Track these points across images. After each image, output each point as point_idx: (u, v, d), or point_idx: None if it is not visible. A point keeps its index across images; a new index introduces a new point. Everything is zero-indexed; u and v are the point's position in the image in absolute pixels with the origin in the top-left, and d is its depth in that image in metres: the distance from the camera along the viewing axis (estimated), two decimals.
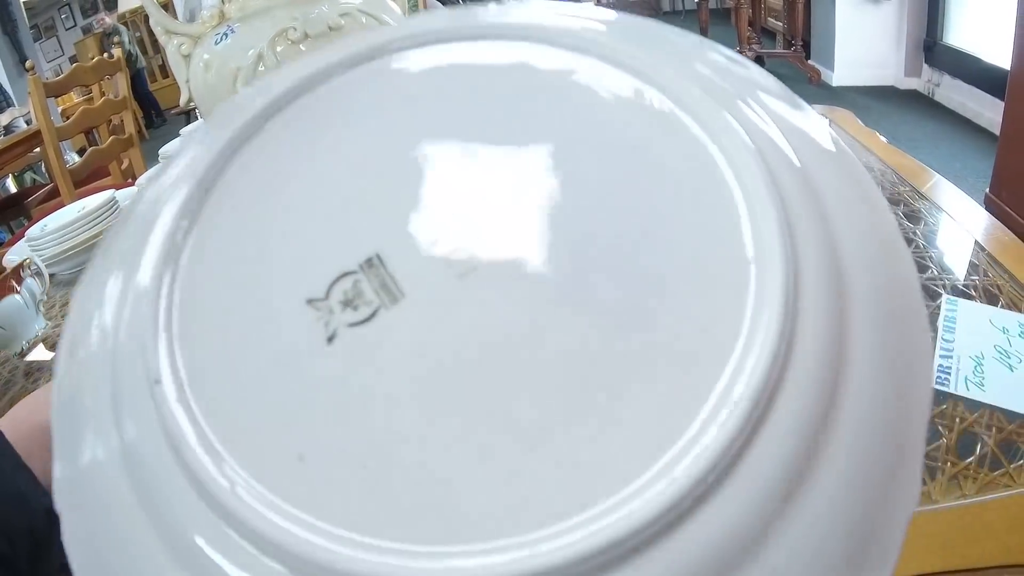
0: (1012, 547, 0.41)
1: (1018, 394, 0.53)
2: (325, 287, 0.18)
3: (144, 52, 5.08)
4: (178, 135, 1.02)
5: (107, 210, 1.04)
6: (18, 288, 0.71)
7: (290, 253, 0.19)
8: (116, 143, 1.86)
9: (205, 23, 0.60)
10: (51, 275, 0.96)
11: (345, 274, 0.18)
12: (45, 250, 0.99)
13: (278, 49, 0.56)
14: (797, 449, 0.15)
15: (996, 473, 0.47)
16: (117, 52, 2.09)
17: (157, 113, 4.92)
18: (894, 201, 0.86)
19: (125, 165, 2.07)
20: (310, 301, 0.18)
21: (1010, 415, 0.51)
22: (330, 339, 0.17)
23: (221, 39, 0.58)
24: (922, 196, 0.86)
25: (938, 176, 0.91)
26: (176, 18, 0.63)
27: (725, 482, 0.14)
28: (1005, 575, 0.40)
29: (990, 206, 1.82)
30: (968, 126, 2.26)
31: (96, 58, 1.98)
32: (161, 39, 0.61)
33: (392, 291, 0.18)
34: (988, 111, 2.21)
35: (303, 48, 0.57)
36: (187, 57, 0.61)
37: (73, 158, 2.37)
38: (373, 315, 0.17)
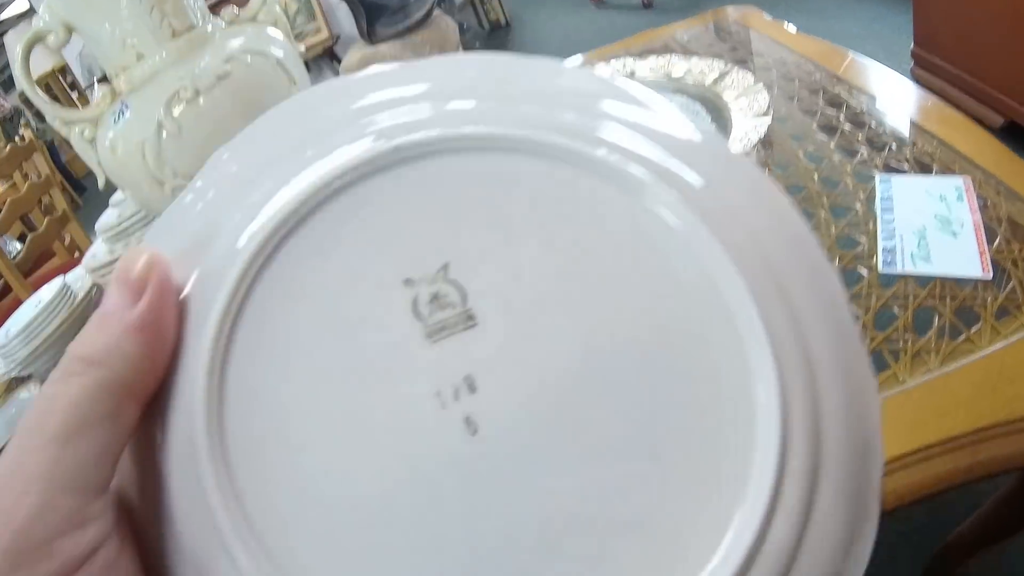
0: (983, 411, 0.43)
1: (966, 259, 0.54)
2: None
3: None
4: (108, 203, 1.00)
5: (61, 299, 1.04)
6: None
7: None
8: (52, 224, 1.83)
9: (99, 104, 0.59)
10: (29, 375, 0.96)
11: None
12: (16, 354, 0.98)
13: (175, 113, 0.55)
14: None
15: (958, 341, 0.49)
16: (27, 134, 2.04)
17: (75, 186, 4.76)
18: (813, 90, 0.87)
19: (68, 241, 2.04)
20: None
21: (961, 282, 0.53)
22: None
23: (119, 117, 0.58)
24: (839, 79, 0.88)
25: (852, 54, 0.92)
26: (76, 78, 0.61)
27: None
28: (979, 439, 0.42)
29: (919, 60, 1.83)
30: None
31: (8, 145, 1.93)
32: (62, 131, 0.61)
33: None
34: None
35: (201, 103, 0.57)
36: (92, 141, 0.61)
37: (15, 246, 2.33)
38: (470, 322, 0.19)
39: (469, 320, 0.19)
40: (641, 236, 0.19)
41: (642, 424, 0.18)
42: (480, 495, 0.18)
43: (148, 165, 0.57)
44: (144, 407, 0.18)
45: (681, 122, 0.21)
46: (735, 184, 0.20)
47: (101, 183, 0.64)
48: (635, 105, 0.21)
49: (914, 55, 1.83)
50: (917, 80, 1.76)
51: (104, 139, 0.59)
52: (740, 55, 1.03)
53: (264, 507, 0.17)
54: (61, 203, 1.90)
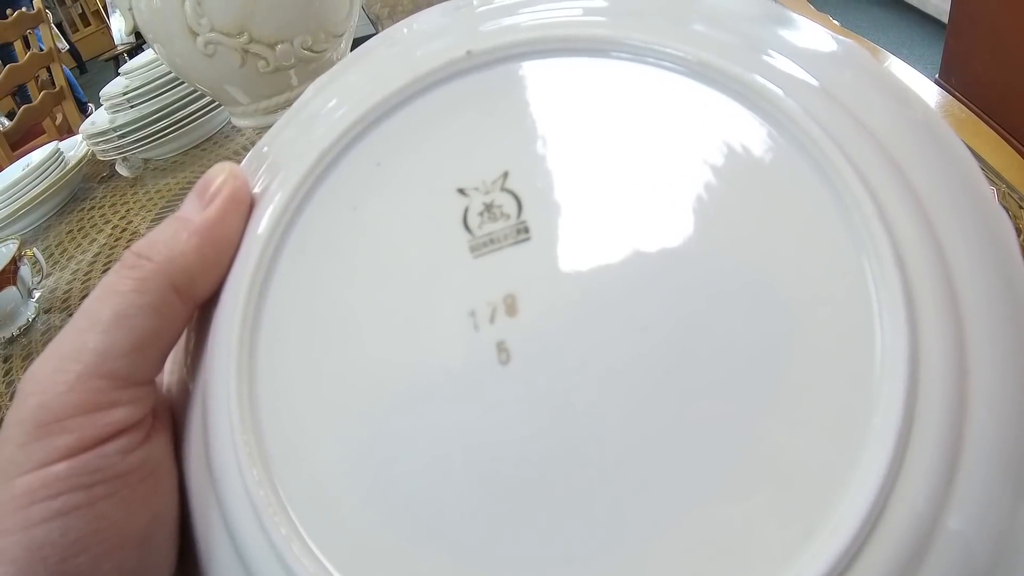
0: None
1: None
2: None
3: (62, 3, 4.81)
4: (117, 74, 0.97)
5: (53, 163, 1.01)
6: (14, 279, 0.72)
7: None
8: (48, 97, 1.77)
9: None
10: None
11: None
12: None
13: None
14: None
15: None
16: (37, 2, 1.97)
17: (78, 64, 4.69)
18: None
19: (59, 120, 1.98)
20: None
21: None
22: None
23: None
24: None
25: (892, 56, 0.91)
26: None
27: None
28: None
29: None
30: (914, 13, 2.27)
31: (16, 12, 1.86)
32: None
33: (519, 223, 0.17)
34: None
35: None
36: None
37: (3, 122, 2.26)
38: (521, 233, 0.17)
39: (521, 233, 0.17)
40: (758, 158, 0.16)
41: (723, 386, 0.15)
42: (497, 437, 0.15)
43: (186, 13, 0.54)
44: (194, 306, 0.18)
45: (810, 32, 0.18)
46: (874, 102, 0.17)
47: (127, 30, 0.61)
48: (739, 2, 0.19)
49: (936, 86, 1.84)
50: None
51: None
52: None
53: (277, 419, 0.17)
54: (60, 79, 1.85)
